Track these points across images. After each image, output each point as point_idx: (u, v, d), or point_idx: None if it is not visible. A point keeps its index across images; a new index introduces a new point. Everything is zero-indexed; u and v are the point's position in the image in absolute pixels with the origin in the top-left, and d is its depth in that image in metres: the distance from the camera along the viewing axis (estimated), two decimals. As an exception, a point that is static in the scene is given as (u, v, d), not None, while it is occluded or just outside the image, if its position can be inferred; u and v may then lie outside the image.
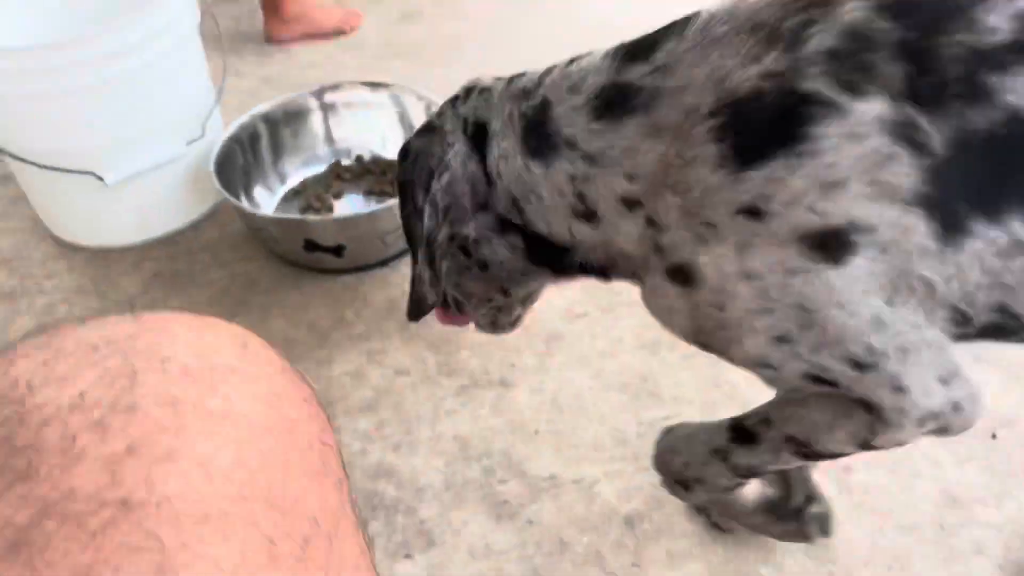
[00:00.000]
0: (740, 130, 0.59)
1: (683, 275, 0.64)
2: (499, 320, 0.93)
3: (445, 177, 0.76)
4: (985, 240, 0.56)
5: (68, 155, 1.23)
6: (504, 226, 0.78)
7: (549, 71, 0.73)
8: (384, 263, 1.30)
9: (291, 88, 1.76)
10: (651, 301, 0.69)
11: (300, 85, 1.76)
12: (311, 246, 1.23)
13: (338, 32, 1.89)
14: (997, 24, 0.54)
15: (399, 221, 0.85)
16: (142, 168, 1.27)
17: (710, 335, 0.66)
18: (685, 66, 0.63)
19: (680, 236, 0.63)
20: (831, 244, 0.58)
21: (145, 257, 1.36)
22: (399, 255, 1.30)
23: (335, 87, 1.49)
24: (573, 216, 0.72)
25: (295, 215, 1.33)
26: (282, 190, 1.45)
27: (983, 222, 0.56)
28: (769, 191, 0.58)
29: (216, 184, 1.25)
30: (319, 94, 1.48)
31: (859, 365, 0.61)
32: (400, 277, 1.28)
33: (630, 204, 0.67)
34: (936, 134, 0.55)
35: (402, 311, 1.23)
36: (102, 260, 1.36)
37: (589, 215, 0.71)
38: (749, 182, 0.59)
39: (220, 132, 1.40)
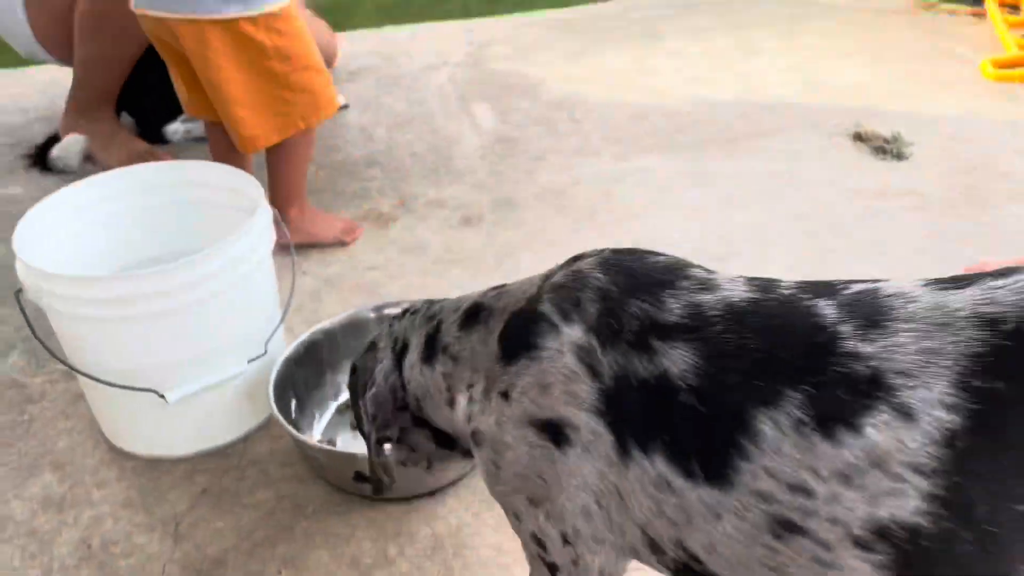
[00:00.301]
0: (508, 335, 0.80)
1: (478, 437, 0.83)
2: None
3: (372, 390, 0.96)
4: (642, 468, 0.69)
5: (132, 374, 1.26)
6: (416, 421, 0.97)
7: (452, 299, 0.94)
8: (431, 493, 1.28)
9: (352, 290, 1.82)
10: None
11: (361, 287, 1.83)
12: (360, 477, 1.23)
13: (338, 243, 1.94)
14: (674, 307, 0.70)
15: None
16: (204, 386, 1.30)
17: (492, 488, 0.84)
18: (510, 293, 0.85)
19: (480, 407, 0.82)
20: (552, 431, 0.75)
21: (195, 470, 1.36)
22: (447, 486, 1.29)
23: (396, 304, 1.52)
24: (447, 405, 0.90)
25: (345, 450, 1.32)
26: (334, 404, 1.47)
27: (639, 451, 0.69)
28: (514, 382, 0.77)
29: (275, 411, 1.26)
30: (379, 309, 1.52)
31: (565, 540, 0.78)
32: (446, 510, 1.26)
33: (472, 388, 0.86)
34: (607, 366, 0.71)
35: (447, 549, 1.21)
36: (153, 471, 1.36)
37: (452, 402, 0.89)
38: (506, 373, 0.78)
39: (281, 345, 1.43)
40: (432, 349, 0.90)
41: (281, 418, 1.26)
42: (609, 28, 3.18)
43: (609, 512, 0.73)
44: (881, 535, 0.58)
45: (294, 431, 1.26)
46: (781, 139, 2.29)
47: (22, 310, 1.27)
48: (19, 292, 1.26)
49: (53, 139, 2.39)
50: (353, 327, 1.49)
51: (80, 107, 2.27)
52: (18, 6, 2.16)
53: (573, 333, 0.73)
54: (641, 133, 2.38)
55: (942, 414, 0.56)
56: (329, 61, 2.82)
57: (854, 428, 0.58)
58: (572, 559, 0.78)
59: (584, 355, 0.72)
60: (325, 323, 1.47)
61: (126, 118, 2.44)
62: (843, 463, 0.58)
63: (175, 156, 2.33)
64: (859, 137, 2.19)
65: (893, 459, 0.57)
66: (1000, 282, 0.59)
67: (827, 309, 0.64)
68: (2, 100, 2.85)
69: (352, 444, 1.38)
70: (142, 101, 2.33)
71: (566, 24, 3.26)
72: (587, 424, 0.72)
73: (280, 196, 1.84)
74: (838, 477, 0.59)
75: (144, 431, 1.37)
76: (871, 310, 0.62)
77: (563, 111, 2.55)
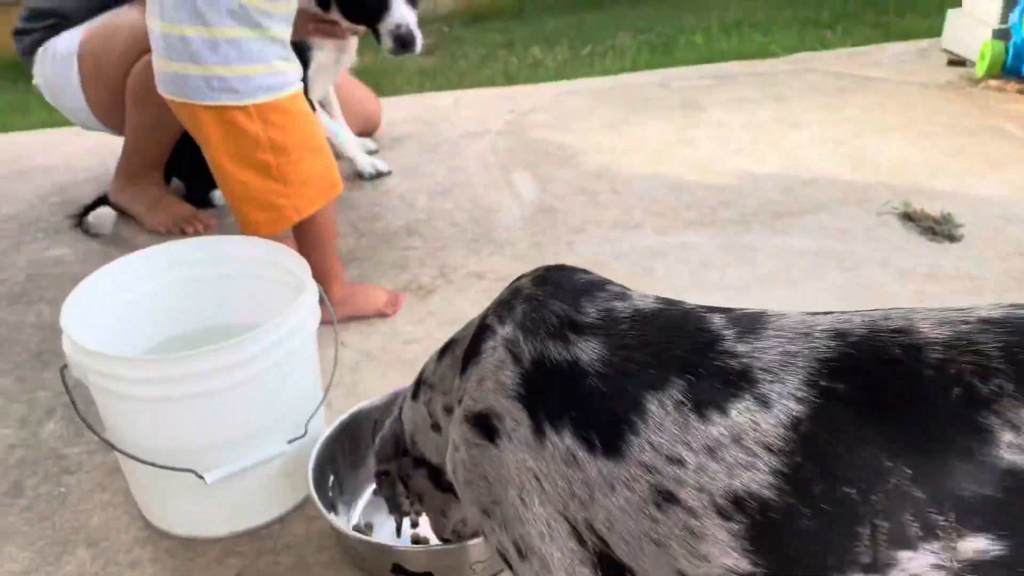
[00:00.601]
0: (467, 351, 0.89)
1: (449, 446, 0.92)
2: (463, 532, 1.16)
3: (380, 433, 1.14)
4: (553, 444, 0.77)
5: (172, 453, 1.25)
6: (416, 463, 1.07)
7: None
8: (470, 587, 1.24)
9: (391, 364, 1.80)
10: None
11: (400, 361, 1.81)
12: (398, 569, 1.19)
13: (380, 315, 1.93)
14: (590, 310, 0.82)
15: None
16: (242, 467, 1.28)
17: (464, 504, 0.91)
18: (471, 323, 0.95)
19: (449, 419, 0.94)
20: (484, 425, 0.83)
21: (229, 552, 1.33)
22: (486, 581, 1.25)
23: (436, 383, 1.50)
24: (432, 431, 1.01)
25: (385, 542, 1.29)
26: (371, 486, 1.44)
27: (551, 428, 0.78)
28: (464, 387, 0.87)
29: (317, 502, 1.24)
30: (419, 388, 1.49)
31: (520, 553, 0.83)
32: (485, 605, 1.22)
33: (448, 410, 0.96)
34: (527, 351, 0.81)
35: (485, 649, 1.17)
36: (187, 551, 1.34)
37: (436, 426, 1.00)
38: (461, 383, 0.89)
39: (321, 424, 1.41)
40: (417, 386, 1.03)
41: (323, 508, 1.23)
42: (649, 98, 3.19)
43: (532, 506, 0.80)
44: (738, 504, 0.67)
45: (334, 520, 1.23)
46: (827, 216, 2.26)
47: (66, 386, 1.26)
48: (64, 368, 1.26)
49: (101, 199, 2.44)
50: (392, 406, 1.47)
51: (130, 172, 2.31)
52: (74, 81, 2.22)
53: (505, 331, 0.84)
54: (682, 206, 2.37)
55: (792, 404, 0.66)
56: (372, 129, 2.87)
57: (722, 411, 0.69)
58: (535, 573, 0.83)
59: (511, 346, 0.83)
60: (365, 402, 1.45)
61: (176, 182, 2.49)
62: (711, 439, 0.69)
63: (220, 220, 2.36)
64: (908, 217, 2.16)
65: (748, 436, 0.67)
66: (857, 312, 0.72)
67: (717, 319, 0.76)
68: (54, 159, 2.92)
69: (389, 527, 1.35)
70: (190, 167, 2.36)
71: (607, 93, 3.28)
72: (509, 411, 0.81)
73: (315, 276, 1.82)
74: (706, 450, 0.68)
75: (180, 510, 1.35)
76: (752, 322, 0.74)
77: (604, 181, 2.55)
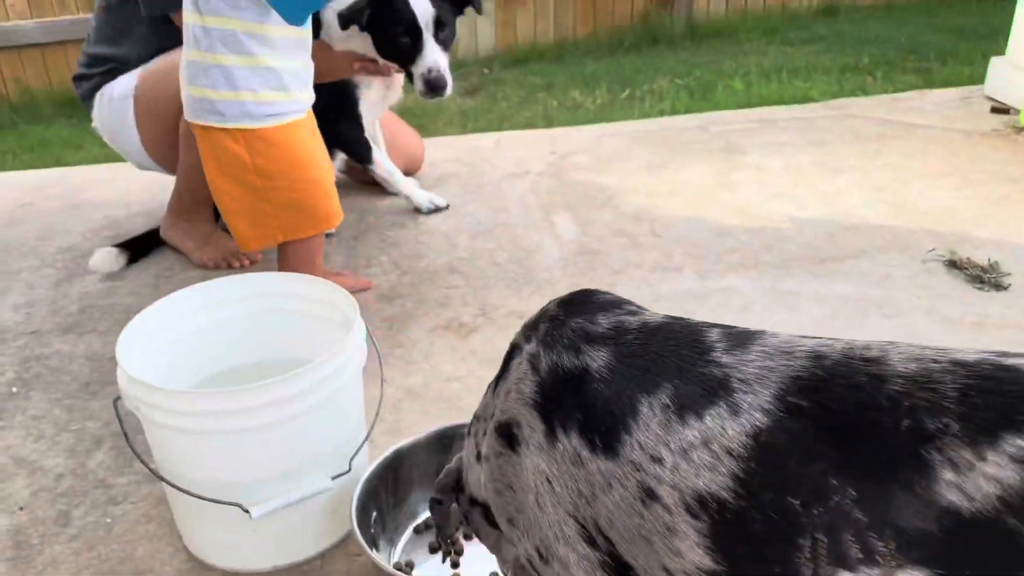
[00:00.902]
0: (499, 372, 0.95)
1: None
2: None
3: (447, 465, 1.14)
4: (563, 445, 0.82)
5: (218, 486, 1.27)
6: (472, 501, 1.08)
7: None
8: (510, 630, 1.23)
9: (432, 402, 1.81)
10: None
11: (441, 399, 1.82)
12: (439, 609, 1.19)
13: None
14: (603, 322, 0.87)
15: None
16: (287, 502, 1.29)
17: (495, 515, 0.97)
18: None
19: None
20: (507, 434, 0.89)
21: (271, 586, 1.35)
22: (527, 623, 1.24)
23: (478, 422, 1.51)
24: (475, 461, 1.01)
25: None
26: (412, 524, 1.44)
27: (561, 430, 0.83)
28: (495, 402, 0.93)
29: (358, 536, 1.25)
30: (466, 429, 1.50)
31: (542, 557, 0.87)
32: (526, 649, 1.21)
33: (486, 435, 0.97)
34: (544, 362, 0.87)
35: None
36: (230, 585, 1.35)
37: (478, 456, 1.01)
38: (493, 399, 0.94)
39: (364, 460, 1.43)
40: (471, 423, 1.05)
41: (365, 545, 1.23)
42: (689, 141, 3.21)
43: (546, 509, 0.84)
44: (702, 504, 0.71)
45: (376, 557, 1.23)
46: (869, 262, 2.24)
47: (119, 418, 1.29)
48: (117, 400, 1.29)
49: (152, 234, 2.50)
50: (438, 443, 1.48)
51: (181, 209, 2.37)
52: (130, 122, 2.30)
53: (529, 347, 0.90)
54: (724, 250, 2.37)
55: (758, 415, 0.70)
56: (415, 168, 2.92)
57: (699, 415, 0.73)
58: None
59: (533, 359, 0.88)
60: (410, 439, 1.46)
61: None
62: (686, 441, 0.73)
63: (267, 255, 2.40)
64: (954, 264, 2.14)
65: (716, 441, 0.71)
66: (843, 340, 0.75)
67: (714, 333, 0.81)
68: (107, 194, 3.01)
69: (429, 565, 1.35)
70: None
71: (646, 135, 3.30)
72: (527, 418, 0.86)
73: None
74: (681, 451, 0.73)
75: (224, 543, 1.36)
76: (744, 338, 0.78)
77: (644, 224, 2.56)
